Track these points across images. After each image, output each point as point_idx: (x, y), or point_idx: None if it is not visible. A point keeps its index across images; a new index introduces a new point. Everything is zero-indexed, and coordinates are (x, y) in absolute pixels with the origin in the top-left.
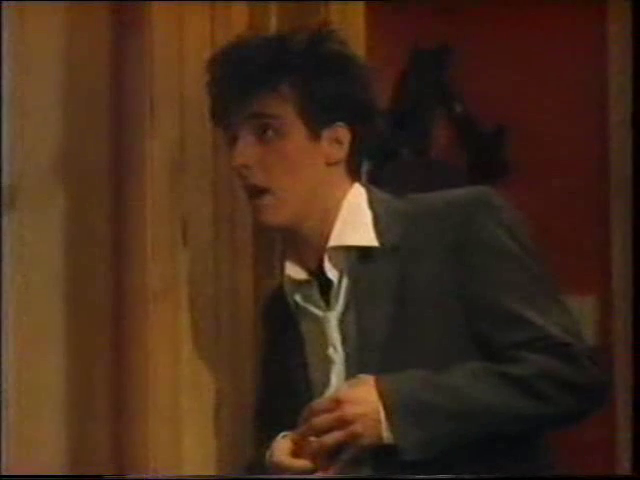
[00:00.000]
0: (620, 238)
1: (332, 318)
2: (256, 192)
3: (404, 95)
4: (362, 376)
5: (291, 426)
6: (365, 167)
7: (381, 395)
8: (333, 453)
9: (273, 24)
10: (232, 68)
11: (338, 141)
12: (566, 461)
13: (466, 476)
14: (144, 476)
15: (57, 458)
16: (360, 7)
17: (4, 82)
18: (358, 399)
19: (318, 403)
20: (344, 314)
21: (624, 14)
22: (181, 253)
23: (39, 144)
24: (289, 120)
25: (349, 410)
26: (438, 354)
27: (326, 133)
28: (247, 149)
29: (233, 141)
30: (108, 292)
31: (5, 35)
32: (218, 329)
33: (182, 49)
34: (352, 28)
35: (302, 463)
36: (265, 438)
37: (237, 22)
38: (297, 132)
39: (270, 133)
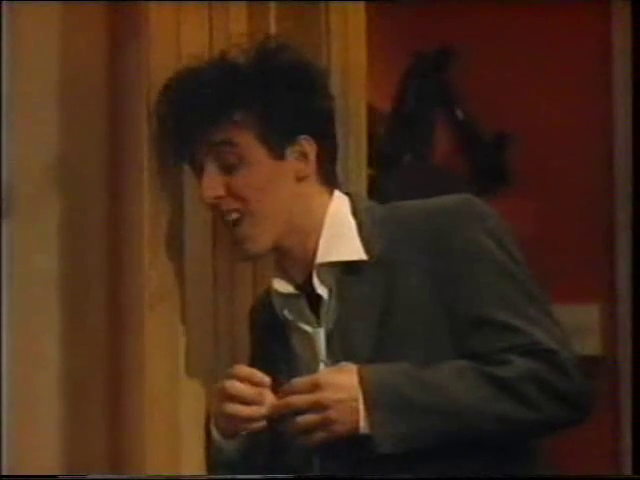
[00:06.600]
0: (624, 246)
1: (322, 334)
2: (233, 223)
3: (405, 98)
4: (345, 363)
5: (280, 442)
6: (367, 172)
7: (362, 384)
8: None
9: (272, 25)
10: (183, 102)
11: (304, 155)
12: (568, 461)
13: (464, 476)
14: (142, 476)
15: (55, 459)
16: (360, 8)
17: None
18: (338, 385)
19: (298, 382)
20: (332, 329)
21: (628, 21)
22: (178, 260)
23: (35, 150)
24: (249, 146)
25: (327, 395)
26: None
27: (290, 150)
28: (214, 181)
29: (200, 172)
30: (104, 298)
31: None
32: (216, 335)
33: (180, 51)
34: (353, 30)
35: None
36: None
37: (236, 23)
38: (260, 156)
39: (233, 162)
